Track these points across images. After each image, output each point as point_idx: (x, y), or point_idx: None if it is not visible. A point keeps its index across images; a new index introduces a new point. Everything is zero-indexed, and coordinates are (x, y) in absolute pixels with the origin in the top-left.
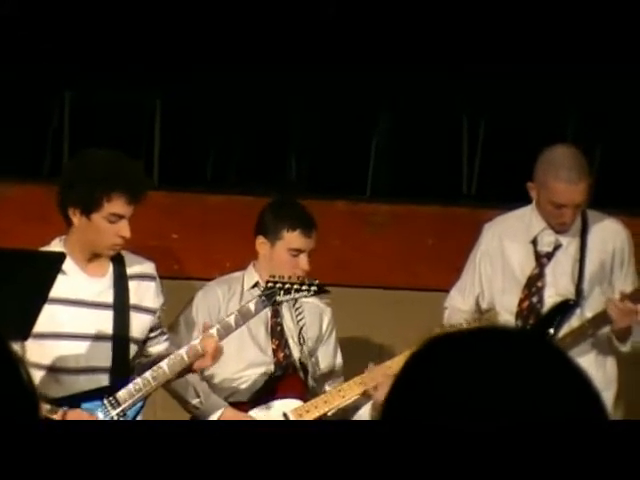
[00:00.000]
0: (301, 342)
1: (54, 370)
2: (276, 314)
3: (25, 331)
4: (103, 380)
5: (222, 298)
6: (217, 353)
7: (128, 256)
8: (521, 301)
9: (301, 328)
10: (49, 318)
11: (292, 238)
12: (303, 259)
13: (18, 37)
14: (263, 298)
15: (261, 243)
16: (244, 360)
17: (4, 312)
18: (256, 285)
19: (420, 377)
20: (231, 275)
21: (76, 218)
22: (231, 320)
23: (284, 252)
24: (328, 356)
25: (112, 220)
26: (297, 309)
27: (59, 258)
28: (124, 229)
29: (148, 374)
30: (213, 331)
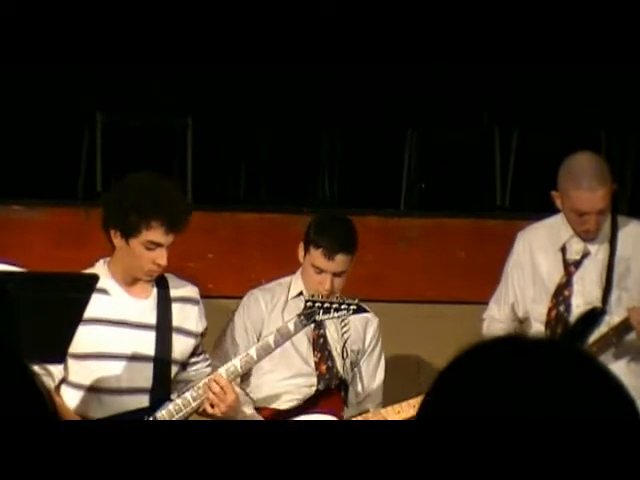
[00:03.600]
0: (344, 356)
1: (96, 390)
2: (319, 326)
3: (59, 354)
4: (144, 400)
5: (265, 308)
6: (227, 401)
7: (172, 279)
8: (549, 310)
9: (345, 341)
10: (92, 338)
11: (314, 256)
12: (325, 278)
13: (49, 60)
14: (302, 318)
15: (300, 251)
16: (290, 369)
17: (38, 335)
18: (300, 294)
19: (451, 386)
20: (278, 281)
21: (117, 240)
22: (270, 340)
23: (309, 266)
24: (369, 371)
25: (150, 247)
26: (343, 320)
27: (92, 280)
28: (160, 257)
29: (188, 394)
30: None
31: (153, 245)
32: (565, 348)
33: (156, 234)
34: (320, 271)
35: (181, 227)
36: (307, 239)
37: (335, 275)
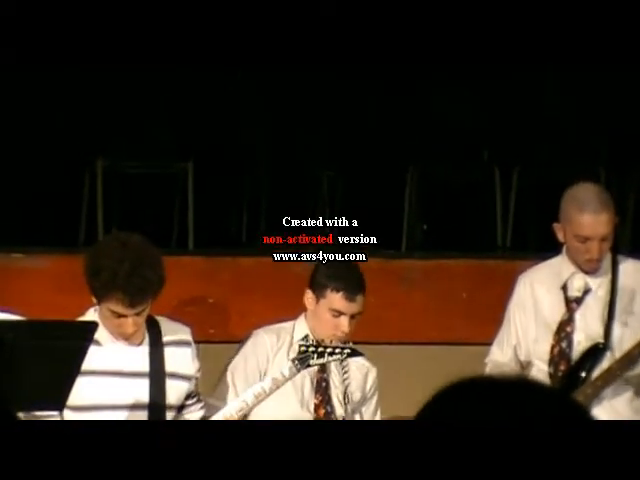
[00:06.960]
0: (346, 401)
1: None
2: (323, 369)
3: (60, 402)
4: None
5: (270, 349)
6: None
7: (164, 322)
8: (552, 347)
9: (346, 387)
10: (85, 390)
11: (334, 299)
12: (344, 321)
13: (49, 108)
14: (296, 362)
15: (308, 298)
16: (284, 414)
17: (39, 383)
18: (306, 337)
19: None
20: (281, 325)
21: None
22: (266, 386)
23: (326, 311)
24: (369, 416)
25: (113, 315)
26: (344, 367)
27: (91, 327)
28: (124, 325)
29: None
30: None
31: (115, 315)
32: (537, 387)
33: (115, 307)
34: (339, 314)
35: (139, 305)
36: (318, 284)
37: (352, 317)
